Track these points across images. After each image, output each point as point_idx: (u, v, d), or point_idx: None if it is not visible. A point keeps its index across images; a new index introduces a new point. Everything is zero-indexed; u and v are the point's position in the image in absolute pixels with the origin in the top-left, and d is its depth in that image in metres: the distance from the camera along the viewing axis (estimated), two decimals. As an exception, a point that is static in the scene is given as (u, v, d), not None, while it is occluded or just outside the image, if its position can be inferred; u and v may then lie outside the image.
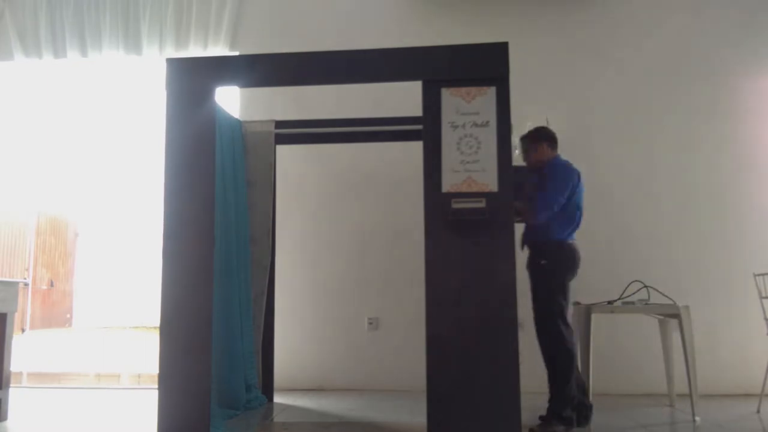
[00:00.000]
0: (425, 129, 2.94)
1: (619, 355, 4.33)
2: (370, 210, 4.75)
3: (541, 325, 3.23)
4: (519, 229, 3.23)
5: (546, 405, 3.17)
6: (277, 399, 4.14)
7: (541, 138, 3.40)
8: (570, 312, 3.25)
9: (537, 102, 4.46)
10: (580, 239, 3.36)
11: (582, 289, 3.63)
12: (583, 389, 3.28)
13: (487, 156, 2.85)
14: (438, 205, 2.86)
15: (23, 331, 6.90)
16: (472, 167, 2.85)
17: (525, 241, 3.39)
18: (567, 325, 3.19)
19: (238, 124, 4.14)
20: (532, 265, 3.31)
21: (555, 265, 3.25)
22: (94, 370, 5.45)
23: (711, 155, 4.60)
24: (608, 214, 4.48)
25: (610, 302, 3.68)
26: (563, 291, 3.20)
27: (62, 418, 3.70)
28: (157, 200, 3.06)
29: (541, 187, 3.28)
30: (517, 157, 3.45)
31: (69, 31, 5.06)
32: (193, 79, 3.07)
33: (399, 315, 4.58)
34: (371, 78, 3.26)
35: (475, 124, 2.88)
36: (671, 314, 3.62)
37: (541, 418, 3.18)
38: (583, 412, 3.23)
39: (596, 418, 3.28)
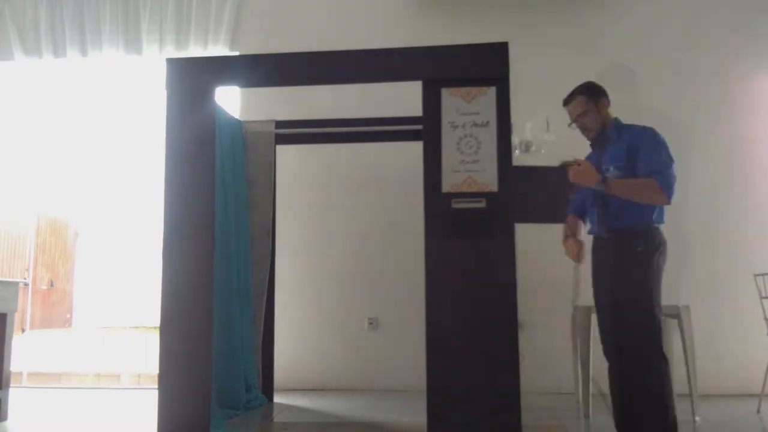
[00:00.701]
0: (425, 129, 2.93)
1: (619, 355, 4.31)
2: (370, 210, 4.75)
3: None
4: (521, 229, 3.21)
5: None
6: (277, 399, 4.14)
7: (600, 92, 3.04)
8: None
9: (537, 102, 4.45)
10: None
11: (582, 289, 3.61)
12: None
13: (487, 156, 2.85)
14: (438, 205, 2.85)
15: (23, 331, 6.91)
16: (472, 167, 2.85)
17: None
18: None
19: (238, 124, 4.14)
20: None
21: None
22: (94, 370, 5.45)
23: (710, 155, 4.58)
24: (608, 214, 4.47)
25: (610, 302, 3.68)
26: None
27: (62, 418, 3.70)
28: (157, 200, 3.06)
29: (632, 159, 2.89)
30: (517, 157, 3.45)
31: (69, 30, 5.06)
32: (193, 79, 3.06)
33: (399, 315, 4.58)
34: (371, 78, 3.25)
35: (475, 124, 2.88)
36: (671, 314, 3.62)
37: None
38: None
39: (596, 418, 3.27)
